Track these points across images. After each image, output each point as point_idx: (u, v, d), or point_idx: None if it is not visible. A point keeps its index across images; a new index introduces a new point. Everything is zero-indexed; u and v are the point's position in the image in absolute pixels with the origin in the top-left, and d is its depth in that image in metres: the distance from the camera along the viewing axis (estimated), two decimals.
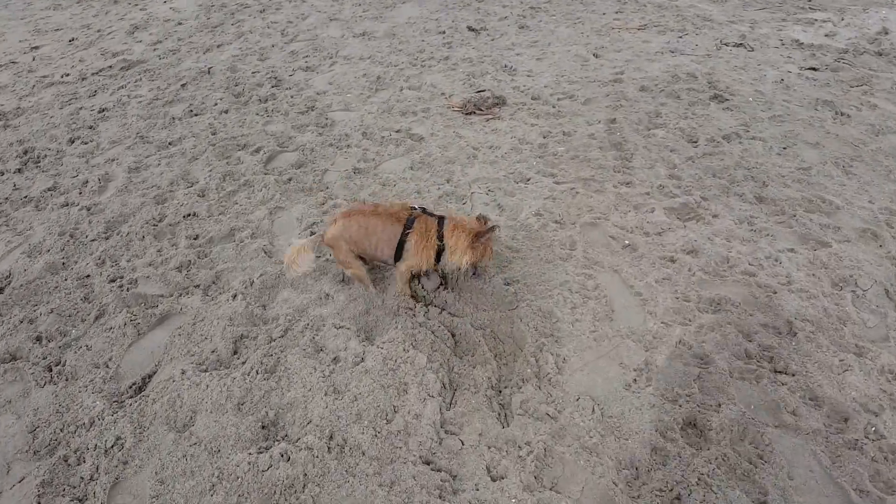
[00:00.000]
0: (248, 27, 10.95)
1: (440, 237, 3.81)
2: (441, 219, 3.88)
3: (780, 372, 3.62)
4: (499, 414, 3.39)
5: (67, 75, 9.40)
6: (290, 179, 5.81)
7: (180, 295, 4.41)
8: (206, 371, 3.66)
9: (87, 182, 6.00)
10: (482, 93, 7.58)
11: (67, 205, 5.68)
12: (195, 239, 5.02)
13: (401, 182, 5.69)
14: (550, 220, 5.04)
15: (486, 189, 5.55)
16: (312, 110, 7.37)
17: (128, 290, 4.47)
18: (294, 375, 3.59)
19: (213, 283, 4.51)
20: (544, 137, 6.52)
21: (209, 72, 8.79)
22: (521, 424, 3.30)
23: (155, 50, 10.11)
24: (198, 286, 4.48)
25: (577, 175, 5.71)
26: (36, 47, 11.18)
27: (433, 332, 3.88)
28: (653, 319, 4.00)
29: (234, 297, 4.33)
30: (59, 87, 8.93)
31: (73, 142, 7.04)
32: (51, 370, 3.86)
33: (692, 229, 4.91)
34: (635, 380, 3.58)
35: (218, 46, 9.99)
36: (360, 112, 7.26)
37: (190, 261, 4.73)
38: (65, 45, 11.06)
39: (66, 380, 3.78)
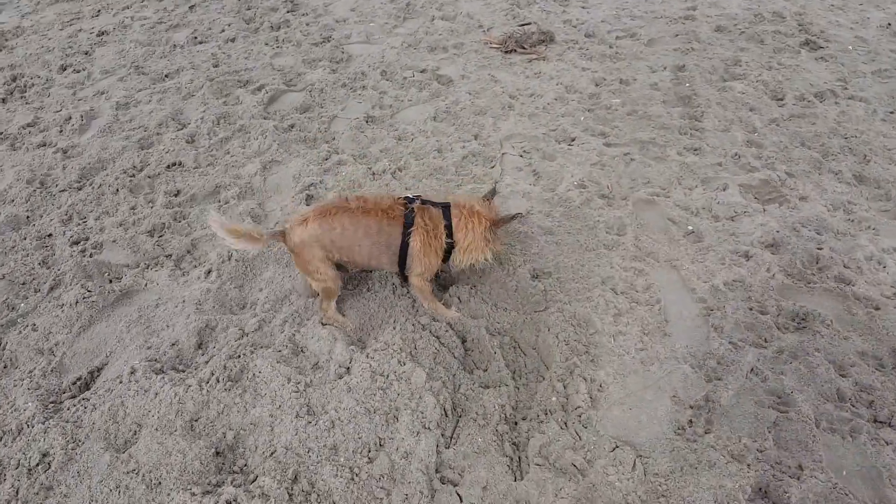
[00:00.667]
0: None
1: (449, 233, 3.00)
2: (445, 207, 3.06)
3: (883, 424, 2.76)
4: (511, 459, 2.64)
5: None
6: (291, 126, 4.99)
7: (148, 266, 3.72)
8: (160, 372, 2.99)
9: (69, 119, 5.29)
10: (526, 26, 6.49)
11: (44, 145, 5.00)
12: (175, 196, 4.30)
13: (419, 136, 4.81)
14: (596, 193, 4.13)
15: (521, 149, 4.63)
16: (328, 42, 6.43)
17: (91, 255, 3.81)
18: (262, 387, 2.89)
19: (188, 253, 3.81)
20: (597, 85, 5.48)
21: None
22: (538, 479, 2.55)
23: None
24: (169, 256, 3.78)
25: (634, 136, 4.72)
26: None
27: (438, 339, 3.11)
28: (719, 337, 3.14)
29: (208, 273, 3.62)
30: (64, 5, 8.15)
31: (64, 69, 6.31)
32: None
33: (774, 214, 3.94)
34: (691, 422, 2.76)
35: None
36: (381, 45, 6.29)
37: (164, 224, 4.02)
38: None
39: (4, 367, 3.18)
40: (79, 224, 4.08)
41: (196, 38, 6.77)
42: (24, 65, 6.50)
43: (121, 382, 2.96)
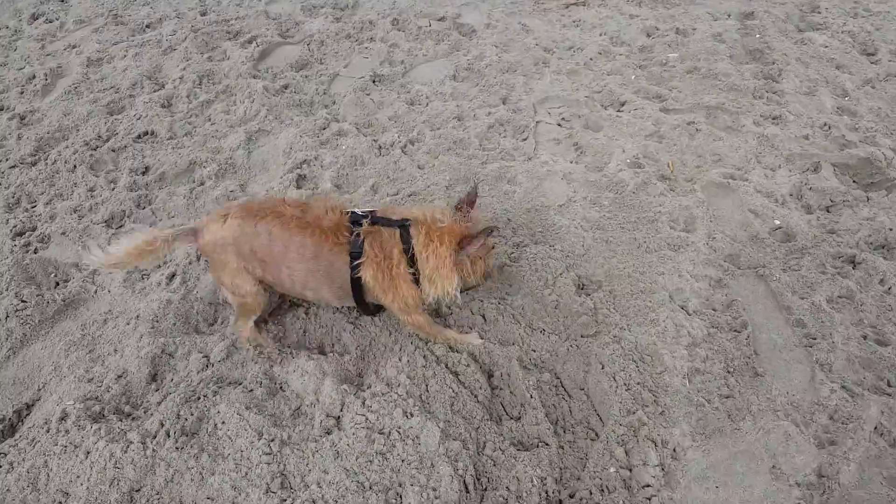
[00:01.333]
0: None
1: (411, 259, 2.22)
2: (403, 226, 2.25)
3: None
4: None
5: None
6: (284, 87, 4.19)
7: None
8: (98, 419, 2.32)
9: (33, 77, 4.54)
10: None
11: (1, 109, 4.27)
12: (142, 174, 3.56)
13: (436, 99, 4.00)
14: (654, 174, 3.32)
15: (559, 117, 3.81)
16: None
17: (35, 251, 3.12)
18: (225, 444, 2.21)
19: None
20: (649, 36, 4.58)
21: None
22: None
23: None
24: None
25: (698, 100, 3.86)
26: None
27: (457, 376, 2.40)
28: (828, 380, 2.38)
29: (171, 278, 2.92)
30: None
31: (35, 18, 5.53)
32: None
33: (881, 205, 3.12)
34: None
35: None
36: None
37: (125, 211, 3.30)
38: None
39: None
40: (26, 210, 3.38)
41: None
42: None
43: (48, 431, 2.30)
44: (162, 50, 4.79)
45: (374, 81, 4.22)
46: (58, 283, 2.98)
